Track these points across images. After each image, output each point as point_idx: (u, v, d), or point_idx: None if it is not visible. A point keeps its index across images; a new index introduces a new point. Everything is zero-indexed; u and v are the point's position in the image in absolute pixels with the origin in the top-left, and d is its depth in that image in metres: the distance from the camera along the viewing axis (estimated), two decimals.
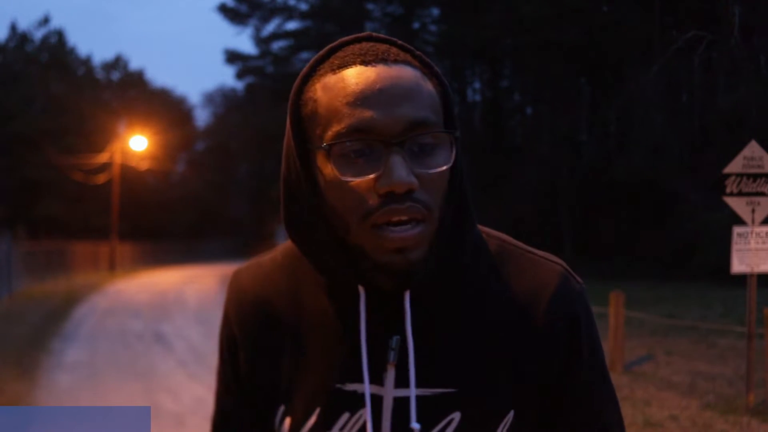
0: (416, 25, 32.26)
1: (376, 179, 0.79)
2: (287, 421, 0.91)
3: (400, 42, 0.88)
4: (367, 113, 0.79)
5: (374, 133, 0.79)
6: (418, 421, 0.85)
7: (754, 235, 6.17)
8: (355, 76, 0.82)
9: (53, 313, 13.45)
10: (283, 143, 0.89)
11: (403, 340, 0.87)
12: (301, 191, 0.86)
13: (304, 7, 34.17)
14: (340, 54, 0.85)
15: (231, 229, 49.06)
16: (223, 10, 35.16)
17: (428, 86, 0.84)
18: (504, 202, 22.81)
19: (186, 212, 44.45)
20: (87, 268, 26.50)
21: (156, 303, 15.63)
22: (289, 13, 34.40)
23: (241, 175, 50.48)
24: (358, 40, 0.87)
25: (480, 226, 0.94)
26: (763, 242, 6.17)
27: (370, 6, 31.89)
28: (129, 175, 33.93)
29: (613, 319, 7.76)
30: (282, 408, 0.92)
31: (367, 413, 0.85)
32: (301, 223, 0.88)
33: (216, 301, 16.15)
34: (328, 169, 0.81)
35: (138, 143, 31.75)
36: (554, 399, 0.90)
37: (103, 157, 31.09)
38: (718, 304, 13.06)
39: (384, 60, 0.83)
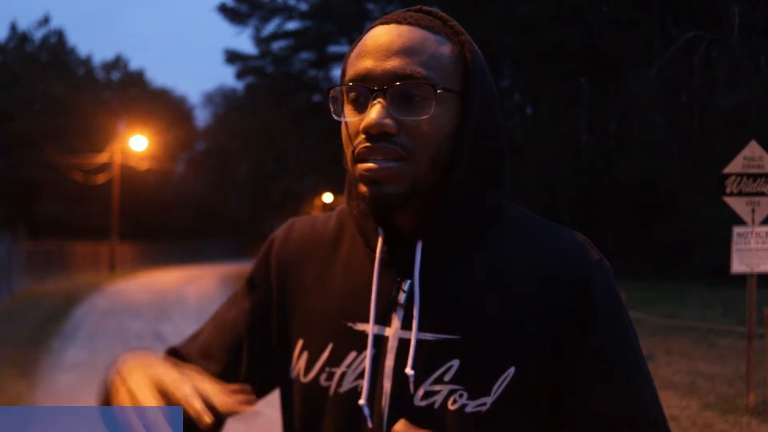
0: None
1: (361, 121, 0.87)
2: (305, 354, 0.98)
3: (435, 11, 0.93)
4: (364, 64, 0.88)
5: (367, 81, 0.87)
6: (419, 364, 0.88)
7: (754, 235, 6.17)
8: (370, 34, 0.91)
9: (53, 313, 13.45)
10: None
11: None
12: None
13: (304, 7, 34.07)
14: (376, 21, 0.94)
15: (231, 229, 49.03)
16: (223, 10, 35.05)
17: (440, 49, 0.89)
18: None
19: (186, 212, 44.44)
20: (87, 268, 26.48)
21: (156, 303, 15.62)
22: (289, 13, 34.30)
23: (241, 175, 50.39)
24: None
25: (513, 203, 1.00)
26: (763, 242, 6.17)
27: (370, 6, 31.82)
28: (129, 175, 33.90)
29: None
30: (301, 342, 0.99)
31: (368, 351, 0.90)
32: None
33: (216, 301, 16.15)
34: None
35: (138, 143, 31.72)
36: (571, 366, 0.89)
37: (103, 157, 31.08)
38: (718, 304, 13.05)
39: (398, 21, 0.90)
